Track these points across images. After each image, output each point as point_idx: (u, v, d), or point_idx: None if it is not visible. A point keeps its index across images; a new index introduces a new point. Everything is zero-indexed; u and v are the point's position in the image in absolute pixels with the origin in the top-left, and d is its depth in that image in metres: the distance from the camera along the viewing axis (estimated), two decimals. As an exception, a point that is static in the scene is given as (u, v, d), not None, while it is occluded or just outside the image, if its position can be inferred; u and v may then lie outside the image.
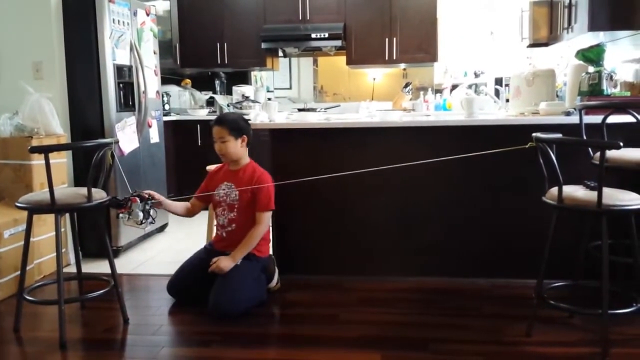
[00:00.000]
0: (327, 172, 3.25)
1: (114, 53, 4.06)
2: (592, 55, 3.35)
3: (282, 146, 3.53)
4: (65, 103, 4.01)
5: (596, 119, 2.89)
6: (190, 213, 3.26)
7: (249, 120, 3.35)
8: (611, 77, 3.37)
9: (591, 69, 3.39)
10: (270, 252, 3.30)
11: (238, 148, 3.12)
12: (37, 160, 3.52)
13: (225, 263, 2.96)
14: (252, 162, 3.22)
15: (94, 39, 3.97)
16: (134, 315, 2.96)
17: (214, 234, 3.44)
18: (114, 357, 2.59)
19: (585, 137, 2.89)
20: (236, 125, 3.11)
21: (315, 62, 7.53)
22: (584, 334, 2.66)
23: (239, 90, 6.10)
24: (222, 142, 3.09)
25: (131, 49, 4.28)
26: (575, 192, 2.47)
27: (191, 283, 3.11)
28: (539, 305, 2.64)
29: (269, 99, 6.41)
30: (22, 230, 3.10)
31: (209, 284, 2.99)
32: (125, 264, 3.90)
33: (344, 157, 3.42)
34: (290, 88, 7.43)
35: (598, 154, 2.60)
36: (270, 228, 3.31)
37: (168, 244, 4.49)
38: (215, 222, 3.34)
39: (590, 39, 3.82)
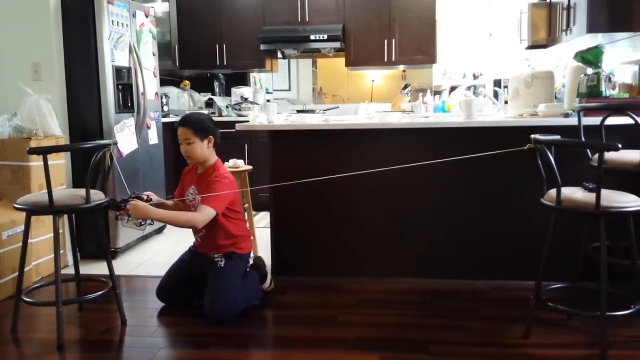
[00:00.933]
0: (325, 173, 3.25)
1: (113, 55, 4.06)
2: (590, 57, 3.35)
3: (281, 148, 3.53)
4: (64, 104, 4.01)
5: (595, 120, 2.89)
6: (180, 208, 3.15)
7: (248, 121, 3.32)
8: (610, 79, 3.37)
9: (590, 70, 3.39)
10: (259, 253, 3.25)
11: (204, 150, 3.00)
12: (36, 162, 3.52)
13: (135, 211, 2.74)
14: (218, 162, 3.09)
15: (93, 40, 3.97)
16: (132, 317, 2.96)
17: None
18: (111, 359, 2.58)
19: (584, 139, 2.88)
20: (202, 126, 2.99)
21: (314, 64, 7.53)
22: (583, 336, 2.65)
23: (238, 92, 6.11)
24: (187, 144, 2.98)
25: (130, 51, 4.28)
26: (574, 194, 2.47)
27: (179, 287, 3.10)
28: (538, 307, 2.63)
29: (268, 101, 6.43)
30: (21, 232, 3.09)
31: (197, 286, 3.01)
32: (123, 266, 3.89)
33: (343, 159, 3.42)
34: (289, 90, 7.44)
35: (597, 155, 2.60)
36: (253, 227, 3.21)
37: (166, 245, 4.48)
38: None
39: (589, 41, 3.82)
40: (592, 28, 3.63)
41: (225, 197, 2.93)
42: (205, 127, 3.00)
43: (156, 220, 2.89)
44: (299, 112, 5.83)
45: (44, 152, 2.65)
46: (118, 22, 4.12)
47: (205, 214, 2.86)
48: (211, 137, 3.02)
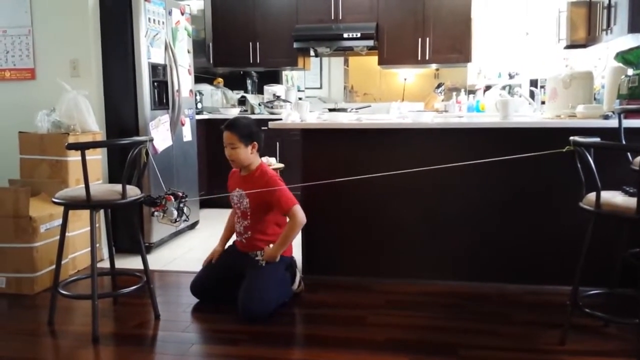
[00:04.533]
0: (357, 172, 3.24)
1: (149, 52, 4.11)
2: (632, 58, 3.26)
3: (313, 146, 3.52)
4: (101, 100, 4.08)
5: (636, 123, 2.83)
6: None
7: (280, 119, 3.33)
8: (652, 80, 3.27)
9: (630, 71, 3.30)
10: (293, 252, 3.27)
11: (248, 154, 3.05)
12: (74, 157, 3.59)
13: (269, 257, 3.02)
14: (262, 164, 3.16)
15: (130, 37, 4.03)
16: (165, 312, 3.00)
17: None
18: (144, 353, 2.62)
19: (624, 142, 2.81)
20: (247, 131, 3.03)
21: (346, 61, 7.51)
22: (620, 344, 2.59)
23: (270, 89, 6.14)
24: (232, 149, 3.03)
25: (166, 48, 4.34)
26: (614, 198, 2.41)
27: (214, 284, 3.13)
28: (574, 312, 2.58)
29: (300, 99, 6.43)
30: (58, 225, 3.17)
31: (232, 283, 3.02)
32: (156, 260, 3.95)
33: (375, 158, 3.40)
34: (320, 88, 7.43)
35: (638, 159, 2.53)
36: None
37: (199, 241, 4.53)
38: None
39: (630, 41, 3.73)
40: (634, 28, 3.54)
41: (287, 190, 3.04)
42: (251, 133, 3.04)
43: (280, 253, 3.04)
44: (330, 110, 5.82)
45: (82, 147, 2.70)
46: (154, 20, 4.18)
47: (297, 216, 3.00)
48: (255, 142, 3.06)
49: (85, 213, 3.43)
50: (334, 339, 2.68)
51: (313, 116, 3.98)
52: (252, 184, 3.07)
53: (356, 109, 5.88)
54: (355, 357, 2.51)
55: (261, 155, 3.85)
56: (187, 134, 4.75)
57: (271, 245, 3.06)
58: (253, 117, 5.80)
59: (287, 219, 3.05)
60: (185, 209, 3.00)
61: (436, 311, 3.03)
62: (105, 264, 3.36)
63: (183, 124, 4.64)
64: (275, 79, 6.74)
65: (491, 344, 2.61)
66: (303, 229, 3.53)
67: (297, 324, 3.00)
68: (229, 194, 3.21)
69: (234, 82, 6.66)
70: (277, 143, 5.60)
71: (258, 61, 6.28)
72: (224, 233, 3.34)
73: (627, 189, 2.44)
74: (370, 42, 5.96)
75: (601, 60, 4.65)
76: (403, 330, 2.77)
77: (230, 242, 3.31)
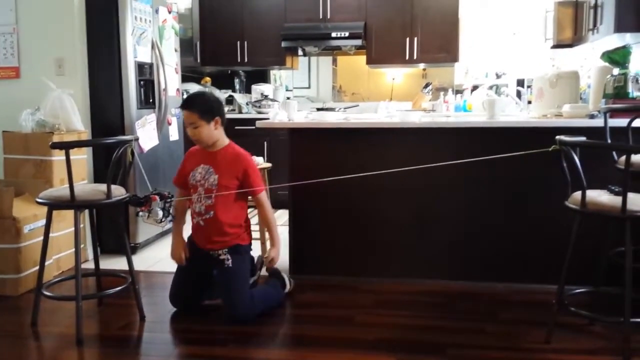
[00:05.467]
0: (345, 172, 3.23)
1: (135, 50, 4.08)
2: (617, 57, 3.29)
3: (301, 146, 3.51)
4: (86, 99, 4.04)
5: (621, 122, 2.83)
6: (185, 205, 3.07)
7: (267, 118, 3.29)
8: (637, 79, 3.30)
9: (616, 71, 3.33)
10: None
11: (212, 131, 2.87)
12: (58, 156, 3.55)
13: (278, 255, 2.99)
14: (232, 143, 2.99)
15: (116, 35, 3.99)
16: (151, 313, 2.97)
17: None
18: (129, 355, 2.59)
19: (609, 141, 2.83)
20: (207, 107, 2.85)
21: (334, 61, 7.50)
22: (605, 342, 2.60)
23: (258, 88, 6.12)
24: (194, 128, 2.84)
25: (152, 47, 4.30)
26: (599, 197, 2.42)
27: (192, 291, 3.02)
28: (559, 311, 2.59)
29: (288, 98, 6.41)
30: (42, 226, 3.12)
31: (206, 284, 2.99)
32: (142, 261, 3.92)
33: (363, 157, 3.40)
34: (309, 87, 7.41)
35: (623, 158, 2.54)
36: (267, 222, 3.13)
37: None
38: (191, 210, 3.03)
39: (615, 40, 3.75)
40: (620, 27, 3.57)
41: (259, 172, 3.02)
42: (211, 108, 2.87)
43: (279, 240, 3.00)
44: (318, 109, 5.81)
45: (66, 146, 2.67)
46: (141, 18, 4.14)
47: (265, 197, 2.99)
48: (217, 117, 2.88)
49: (70, 213, 3.40)
50: (322, 339, 2.67)
51: (301, 115, 3.97)
52: (225, 163, 2.90)
53: (344, 108, 5.89)
54: (343, 357, 2.50)
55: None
56: (174, 133, 4.71)
57: (268, 244, 3.01)
58: (241, 116, 5.80)
59: (256, 204, 3.00)
60: (171, 209, 2.96)
61: (425, 310, 3.03)
62: (90, 265, 3.33)
63: (170, 123, 4.61)
64: (263, 78, 6.72)
65: (479, 342, 2.61)
66: (291, 228, 3.53)
67: (285, 324, 2.99)
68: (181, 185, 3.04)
69: (222, 81, 6.62)
70: (265, 142, 5.59)
71: (246, 60, 6.25)
72: (175, 226, 3.05)
73: (613, 187, 2.45)
74: (359, 42, 5.96)
75: (587, 60, 4.68)
76: (392, 329, 2.77)
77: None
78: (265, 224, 3.01)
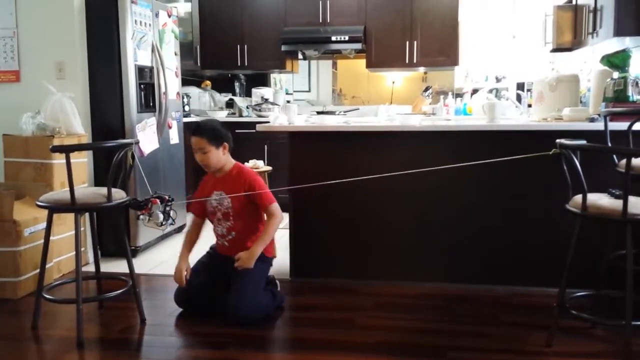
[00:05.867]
0: (345, 175, 3.23)
1: (135, 54, 4.08)
2: (617, 61, 3.29)
3: (301, 149, 3.52)
4: (86, 103, 4.05)
5: (621, 125, 2.84)
6: (200, 228, 3.19)
7: (268, 122, 3.31)
8: (637, 83, 3.30)
9: (616, 74, 3.33)
10: (277, 254, 3.22)
11: (220, 157, 2.99)
12: (58, 160, 3.55)
13: (248, 262, 2.89)
14: (237, 164, 3.10)
15: (116, 39, 4.00)
16: (151, 316, 2.97)
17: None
18: (130, 357, 2.59)
19: (610, 144, 2.83)
20: (215, 133, 2.96)
21: (334, 65, 7.51)
22: (606, 345, 2.60)
23: (258, 92, 6.13)
24: (203, 153, 2.96)
25: (152, 50, 4.31)
26: (600, 200, 2.42)
27: (199, 292, 3.03)
28: (561, 314, 2.58)
29: (288, 102, 6.42)
30: (42, 229, 3.12)
31: (216, 291, 2.97)
32: (143, 264, 3.92)
33: (363, 161, 3.40)
34: (309, 91, 7.42)
35: (623, 161, 2.55)
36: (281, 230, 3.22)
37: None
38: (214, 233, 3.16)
39: (615, 44, 3.76)
40: (619, 31, 3.57)
41: (265, 186, 3.04)
42: (219, 135, 2.98)
43: (259, 252, 2.94)
44: (318, 113, 5.82)
45: (67, 150, 2.68)
46: (141, 22, 4.15)
47: (277, 213, 2.99)
48: (225, 143, 3.00)
49: (70, 217, 3.40)
50: (321, 342, 2.67)
51: (301, 119, 3.97)
52: (231, 183, 3.01)
53: (344, 111, 5.89)
54: (343, 361, 2.50)
55: (249, 159, 3.85)
56: (174, 136, 4.72)
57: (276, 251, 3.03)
58: (241, 119, 5.81)
59: (266, 217, 3.02)
60: (171, 213, 2.97)
61: (424, 313, 3.02)
62: (91, 268, 3.33)
63: (170, 127, 4.61)
64: (264, 81, 6.73)
65: (479, 346, 2.61)
66: (291, 231, 3.53)
67: (285, 327, 2.98)
68: (208, 198, 3.10)
69: (222, 85, 6.64)
70: (265, 146, 5.59)
71: (246, 64, 6.26)
72: (184, 250, 3.11)
73: (613, 191, 2.46)
74: (358, 45, 5.97)
75: (586, 64, 4.69)
76: (392, 332, 2.77)
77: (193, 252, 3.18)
78: (264, 228, 3.01)
